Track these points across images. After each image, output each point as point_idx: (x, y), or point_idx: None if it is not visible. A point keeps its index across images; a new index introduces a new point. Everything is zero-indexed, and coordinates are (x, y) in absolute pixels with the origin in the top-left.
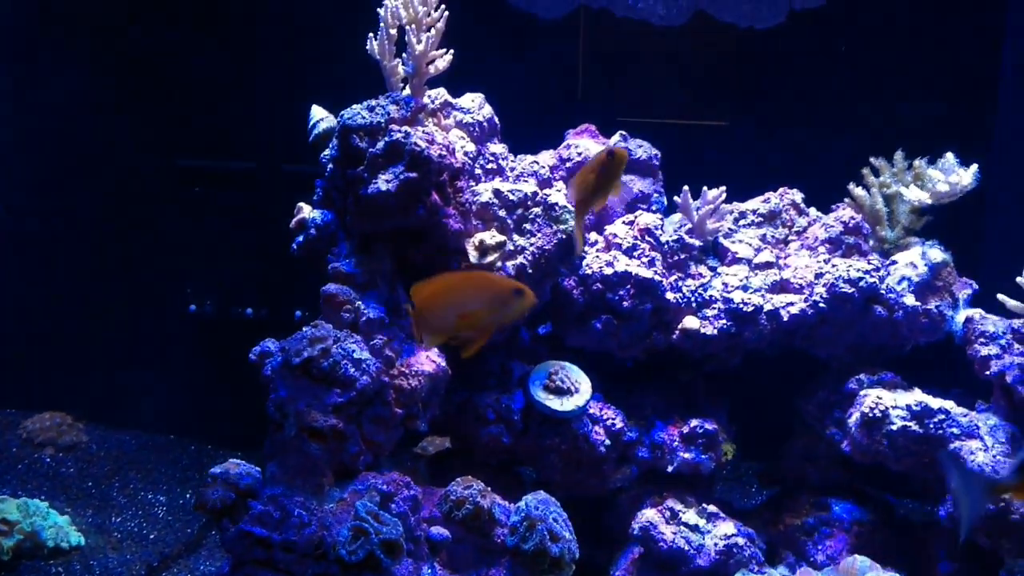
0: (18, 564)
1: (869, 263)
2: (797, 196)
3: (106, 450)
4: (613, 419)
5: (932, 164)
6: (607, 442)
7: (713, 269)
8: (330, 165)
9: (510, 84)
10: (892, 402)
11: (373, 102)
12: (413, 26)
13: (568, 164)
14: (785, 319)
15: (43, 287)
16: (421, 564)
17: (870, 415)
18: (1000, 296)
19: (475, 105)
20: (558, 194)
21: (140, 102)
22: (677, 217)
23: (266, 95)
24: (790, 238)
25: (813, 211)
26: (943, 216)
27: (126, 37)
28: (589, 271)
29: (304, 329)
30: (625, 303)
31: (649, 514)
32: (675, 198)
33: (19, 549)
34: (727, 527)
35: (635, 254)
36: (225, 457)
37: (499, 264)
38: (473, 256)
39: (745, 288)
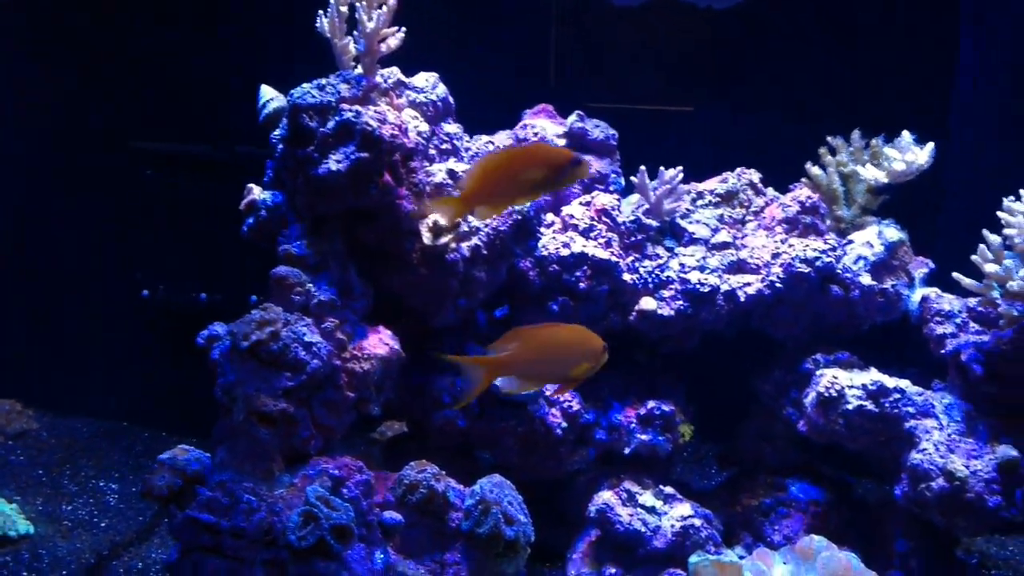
0: None
1: (825, 243)
2: (755, 176)
3: (57, 437)
4: (570, 401)
5: (889, 143)
6: (564, 424)
7: (670, 250)
8: (280, 145)
9: (482, 69)
10: (848, 381)
11: (323, 81)
12: (364, 3)
13: (524, 144)
14: (742, 299)
15: None
16: (374, 549)
17: (826, 395)
18: (955, 275)
19: (429, 84)
20: None
21: (90, 84)
22: (635, 198)
23: (220, 75)
24: (748, 218)
25: (771, 191)
26: (901, 195)
27: (77, 17)
28: (546, 252)
29: (253, 312)
30: (582, 284)
31: (606, 496)
32: (632, 178)
33: None
34: (684, 508)
35: (592, 235)
36: (180, 444)
37: (453, 246)
38: (427, 237)
39: (702, 269)
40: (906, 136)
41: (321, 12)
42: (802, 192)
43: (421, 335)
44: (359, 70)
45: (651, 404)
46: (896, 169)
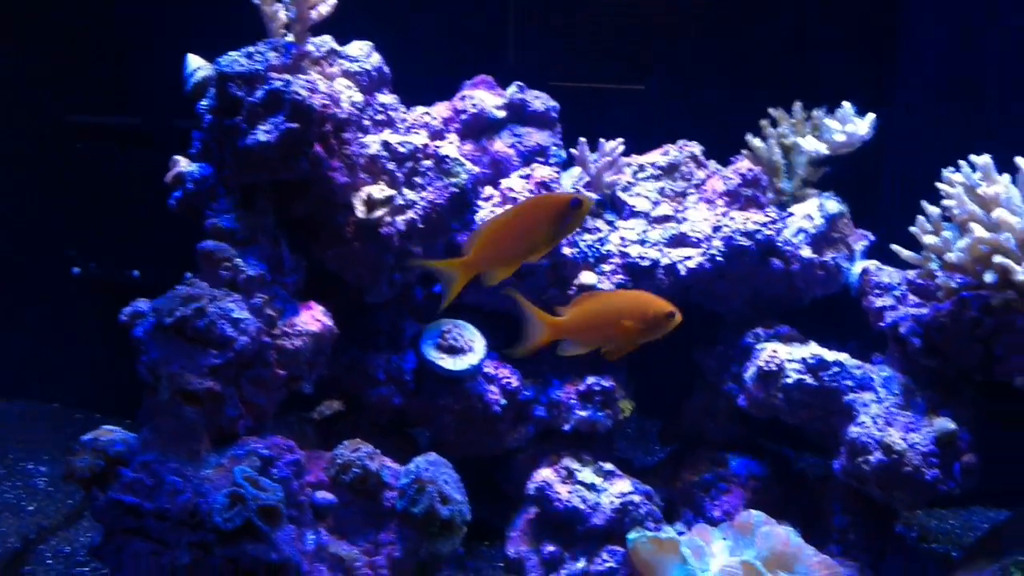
0: None
1: (766, 215)
2: (696, 149)
3: None
4: (509, 378)
5: (831, 115)
6: (503, 401)
7: (611, 223)
8: (208, 116)
9: (439, 47)
10: (788, 355)
11: (252, 49)
12: None
13: (463, 116)
14: (683, 273)
15: None
16: (305, 530)
17: (766, 369)
18: (894, 247)
19: (363, 53)
20: (450, 146)
21: (17, 55)
22: (576, 171)
23: (154, 45)
24: (689, 191)
25: (713, 164)
26: (844, 167)
27: None
28: None
29: (178, 288)
30: None
31: (545, 473)
32: (572, 150)
33: None
34: (623, 485)
35: None
36: (107, 425)
37: (388, 219)
38: (360, 211)
39: (643, 242)
40: (847, 107)
41: None
42: (743, 165)
43: (356, 311)
44: (290, 38)
45: (591, 380)
46: (837, 141)
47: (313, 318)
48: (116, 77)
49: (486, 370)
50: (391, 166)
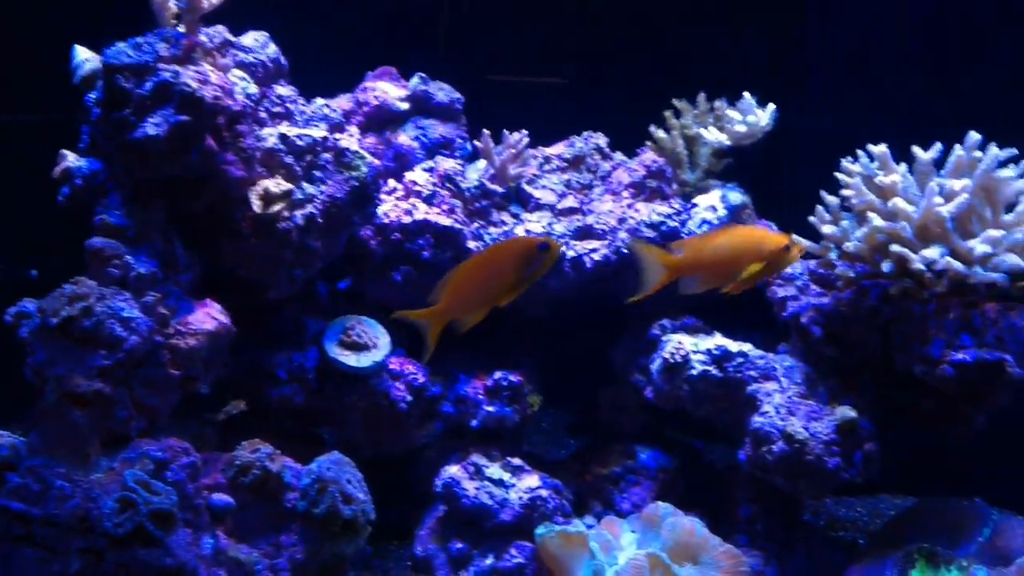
0: None
1: (671, 207)
2: (602, 140)
3: None
4: (415, 374)
5: (733, 106)
6: (409, 398)
7: (516, 216)
8: (96, 109)
9: (373, 43)
10: (693, 347)
11: (140, 39)
12: None
13: (365, 108)
14: (589, 266)
15: None
16: (202, 534)
17: (671, 361)
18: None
19: (258, 44)
20: (350, 139)
21: None
22: (483, 164)
23: (42, 37)
24: (595, 183)
25: (619, 155)
26: (750, 158)
27: None
28: (387, 220)
29: (64, 286)
30: (425, 253)
31: (452, 470)
32: (476, 143)
33: None
34: (532, 480)
35: (435, 201)
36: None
37: (286, 213)
38: (257, 206)
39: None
40: (747, 98)
41: None
42: (648, 156)
43: (258, 309)
44: (182, 28)
45: (498, 375)
46: (738, 131)
47: (209, 316)
48: (13, 72)
49: (392, 367)
50: (289, 159)
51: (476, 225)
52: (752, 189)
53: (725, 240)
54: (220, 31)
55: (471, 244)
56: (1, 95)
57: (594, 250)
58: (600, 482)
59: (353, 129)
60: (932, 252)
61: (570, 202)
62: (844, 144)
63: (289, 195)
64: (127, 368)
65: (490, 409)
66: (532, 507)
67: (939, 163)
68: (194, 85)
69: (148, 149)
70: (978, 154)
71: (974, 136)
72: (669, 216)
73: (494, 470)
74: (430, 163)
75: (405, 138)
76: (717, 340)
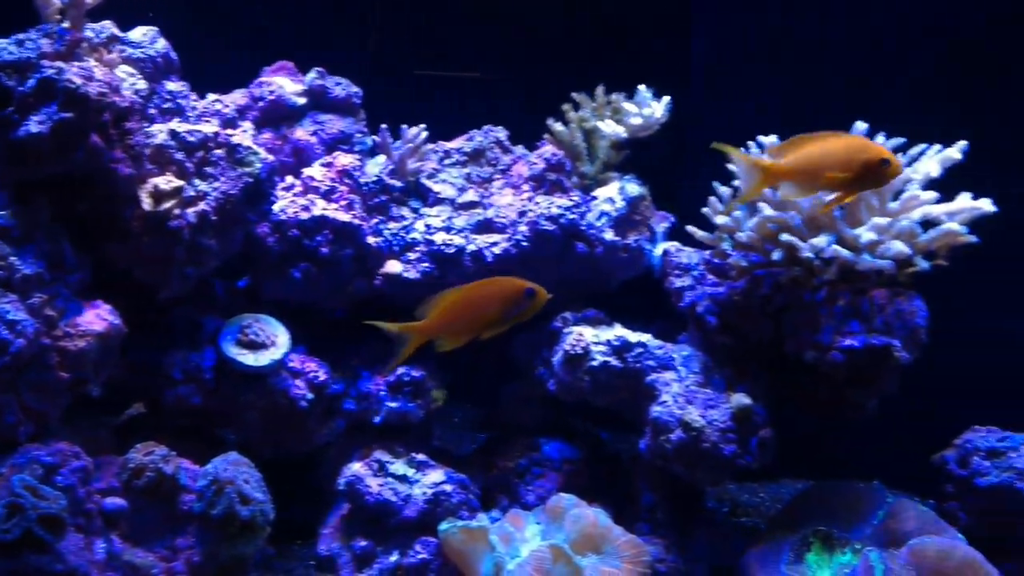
0: None
1: (570, 199)
2: (502, 134)
3: None
4: (316, 372)
5: (630, 98)
6: (310, 396)
7: (416, 211)
8: None
9: (302, 41)
10: (594, 338)
11: (23, 36)
12: None
13: (261, 103)
14: (489, 259)
15: None
16: (94, 539)
17: (572, 352)
18: (689, 228)
19: (147, 39)
20: (243, 135)
21: None
22: (382, 159)
23: None
24: (495, 176)
25: (519, 148)
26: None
27: None
28: (284, 216)
29: None
30: (324, 249)
31: (355, 468)
32: (374, 137)
33: None
34: (436, 475)
35: (333, 197)
36: None
37: (177, 211)
38: (147, 203)
39: (448, 229)
40: (643, 90)
41: None
42: (547, 149)
43: (152, 308)
44: (67, 24)
45: (400, 371)
46: (634, 123)
47: (99, 317)
48: None
49: (291, 364)
50: (180, 156)
51: (375, 220)
52: (650, 181)
53: (823, 146)
54: (107, 26)
55: (371, 240)
56: None
57: (495, 244)
58: (506, 475)
59: (247, 124)
60: (820, 240)
61: (470, 196)
62: (739, 135)
63: (180, 192)
64: (13, 372)
65: (393, 405)
66: (436, 502)
67: None
68: (78, 81)
69: (31, 148)
70: None
71: (860, 125)
72: (568, 209)
73: (398, 466)
74: (328, 158)
75: (303, 133)
76: (617, 331)
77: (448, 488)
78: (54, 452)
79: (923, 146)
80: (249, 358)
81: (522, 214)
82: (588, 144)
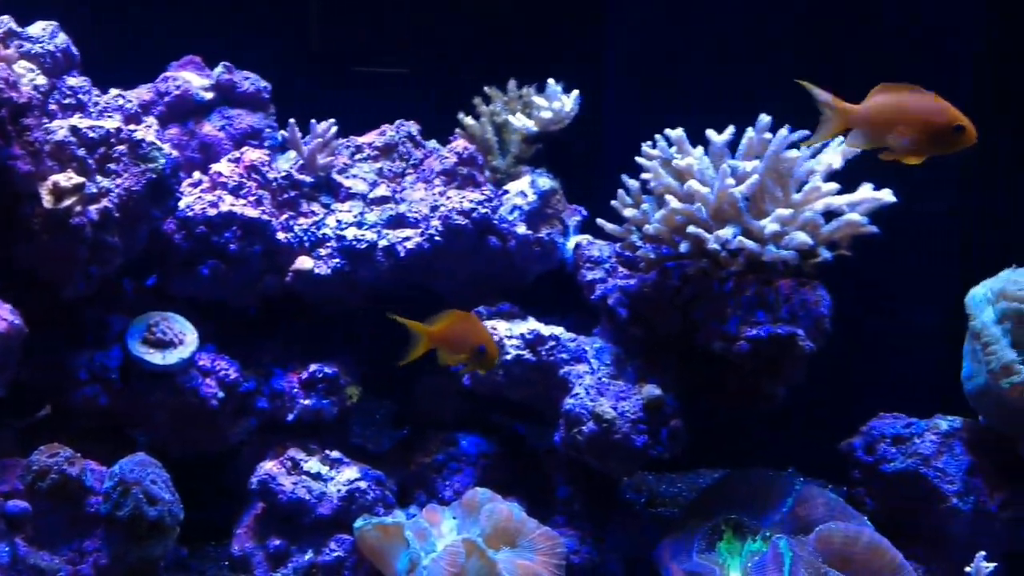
0: None
1: (482, 193)
2: (414, 128)
3: None
4: (227, 370)
5: (540, 92)
6: (220, 395)
7: (327, 206)
8: None
9: (246, 38)
10: (508, 332)
11: None
12: None
13: (167, 98)
14: (402, 254)
15: None
16: None
17: None
18: (599, 220)
19: (46, 34)
20: (147, 130)
21: None
22: (293, 154)
23: None
24: (407, 171)
25: (432, 143)
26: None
27: None
28: (191, 213)
29: None
30: (232, 246)
31: (268, 466)
32: (282, 132)
33: None
34: (351, 472)
35: (241, 193)
36: None
37: (78, 208)
38: (48, 201)
39: (360, 224)
40: (552, 84)
41: None
42: (459, 143)
43: (58, 308)
44: None
45: (313, 367)
46: (545, 117)
47: None
48: None
49: (201, 363)
50: (81, 152)
51: (285, 216)
52: (571, 176)
53: (902, 99)
54: (4, 21)
55: (280, 236)
56: None
57: (407, 238)
58: (423, 471)
59: (151, 120)
60: (726, 232)
61: (382, 191)
62: (648, 129)
63: (81, 189)
64: None
65: (307, 402)
66: (351, 500)
67: (735, 146)
68: None
69: None
70: (768, 136)
71: (764, 119)
72: (480, 203)
73: (312, 464)
74: (236, 153)
75: (210, 128)
76: (531, 324)
77: (363, 485)
78: None
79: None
80: (156, 357)
81: (434, 209)
82: (500, 138)
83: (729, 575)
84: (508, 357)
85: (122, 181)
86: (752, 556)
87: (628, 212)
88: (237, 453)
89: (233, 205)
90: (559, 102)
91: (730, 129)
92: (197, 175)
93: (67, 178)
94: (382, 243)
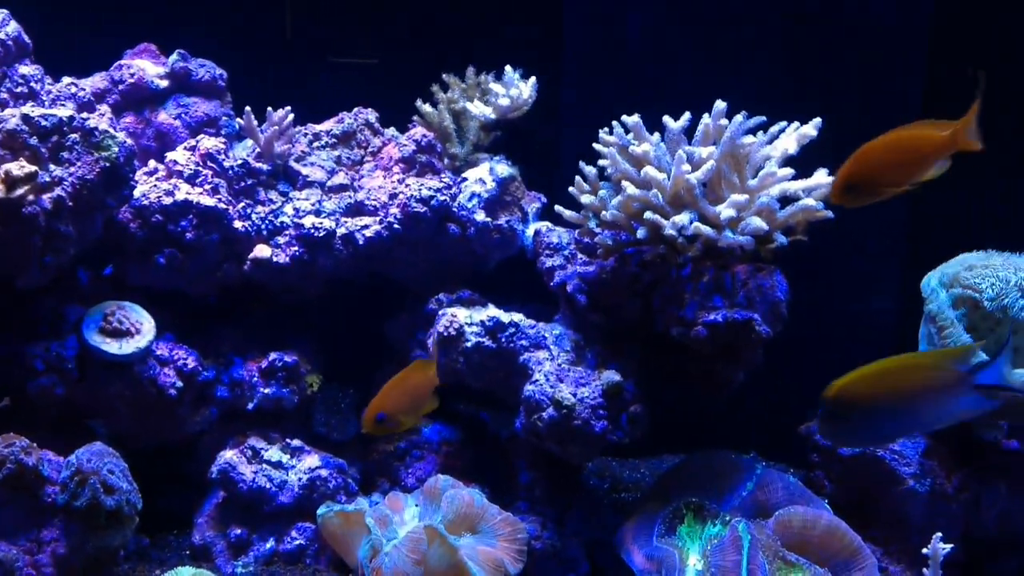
0: None
1: (441, 181)
2: (372, 116)
3: None
4: (185, 359)
5: (499, 79)
6: (179, 384)
7: (285, 194)
8: None
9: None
10: (467, 319)
11: None
12: None
13: (121, 87)
14: (361, 242)
15: None
16: None
17: (446, 334)
18: (558, 207)
19: None
20: (100, 119)
21: None
22: (251, 142)
23: None
24: (366, 159)
25: (391, 131)
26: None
27: None
28: (147, 202)
29: None
30: (189, 234)
31: (229, 455)
32: (239, 120)
33: None
34: (312, 460)
35: (198, 181)
36: None
37: (31, 197)
38: (0, 190)
39: (318, 212)
40: (509, 71)
41: None
42: (417, 131)
43: (12, 299)
44: None
45: (273, 356)
46: (502, 104)
47: None
48: None
49: (159, 352)
50: (33, 141)
51: (243, 204)
52: (521, 162)
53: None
54: None
55: (238, 224)
56: None
57: (366, 227)
58: (386, 459)
59: (104, 108)
60: (682, 218)
61: (340, 179)
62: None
63: (34, 178)
64: None
65: (267, 391)
66: (312, 488)
67: (691, 132)
68: None
69: None
70: (724, 122)
71: (720, 105)
72: (439, 190)
73: (273, 452)
74: (191, 141)
75: (166, 117)
76: (490, 311)
77: (324, 473)
78: None
79: (783, 124)
80: (113, 346)
81: (393, 196)
82: (458, 126)
83: (688, 558)
84: (468, 344)
85: (75, 170)
86: (711, 540)
87: (586, 199)
88: (198, 442)
89: (189, 194)
90: (516, 89)
91: (686, 115)
92: (152, 164)
93: (19, 167)
94: (341, 231)
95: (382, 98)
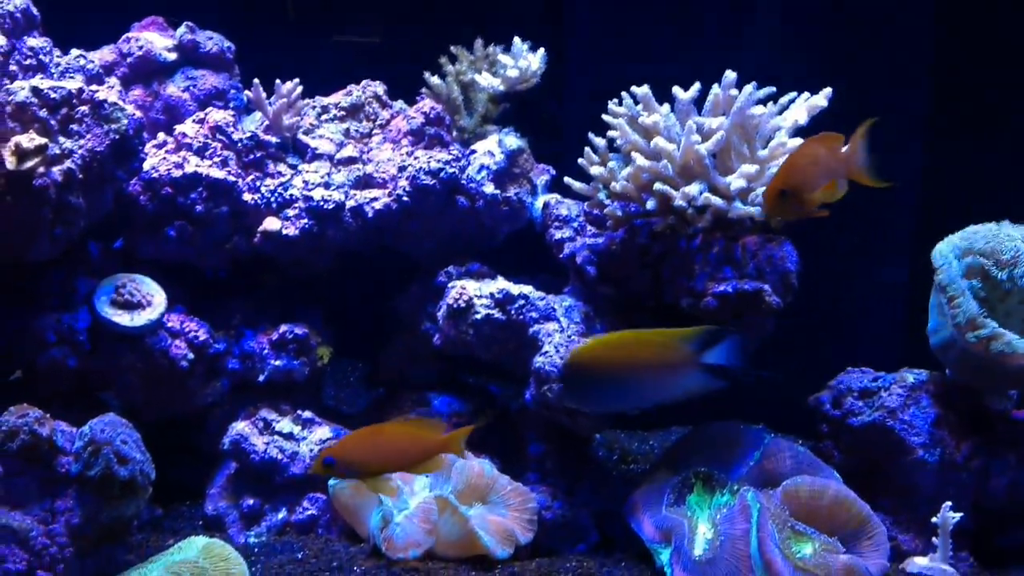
0: None
1: (449, 153)
2: (380, 88)
3: None
4: (196, 331)
5: (507, 51)
6: (191, 356)
7: (294, 167)
8: None
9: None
10: (476, 291)
11: None
12: None
13: (130, 59)
14: (370, 215)
15: None
16: None
17: (455, 306)
18: (567, 179)
19: None
20: (109, 91)
21: None
22: (259, 115)
23: None
24: (374, 132)
25: (399, 103)
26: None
27: None
28: (156, 174)
29: None
30: (198, 207)
31: (240, 427)
32: (247, 93)
33: None
34: (323, 432)
35: (207, 154)
36: None
37: (41, 169)
38: (10, 162)
39: (327, 185)
40: (517, 42)
41: None
42: (426, 103)
43: (23, 272)
44: None
45: (283, 328)
46: (511, 76)
47: None
48: None
49: (170, 324)
50: (43, 113)
51: (251, 177)
52: (530, 133)
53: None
54: None
55: (247, 197)
56: None
57: (375, 199)
58: None
59: (113, 80)
60: (692, 189)
61: (349, 151)
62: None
63: (44, 150)
64: None
65: (277, 363)
66: None
67: (701, 102)
68: None
69: None
70: (734, 92)
71: (730, 75)
72: (448, 163)
73: (284, 424)
74: (201, 114)
75: (174, 89)
76: (500, 284)
77: None
78: None
79: (793, 94)
80: (124, 318)
81: (402, 169)
82: (466, 98)
83: (697, 527)
84: (478, 316)
85: (85, 142)
86: (720, 509)
87: (595, 170)
88: (209, 414)
89: (198, 166)
90: (525, 61)
91: (696, 86)
92: (161, 136)
93: (29, 139)
94: (350, 204)
95: (387, 74)
